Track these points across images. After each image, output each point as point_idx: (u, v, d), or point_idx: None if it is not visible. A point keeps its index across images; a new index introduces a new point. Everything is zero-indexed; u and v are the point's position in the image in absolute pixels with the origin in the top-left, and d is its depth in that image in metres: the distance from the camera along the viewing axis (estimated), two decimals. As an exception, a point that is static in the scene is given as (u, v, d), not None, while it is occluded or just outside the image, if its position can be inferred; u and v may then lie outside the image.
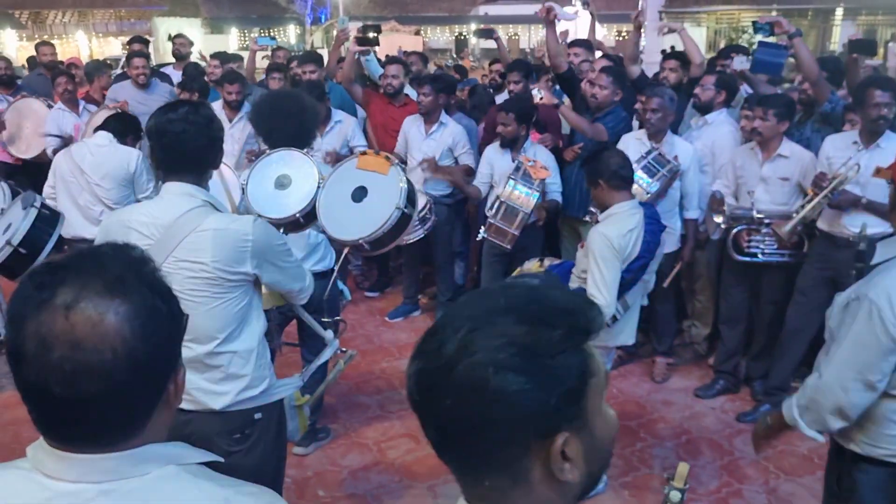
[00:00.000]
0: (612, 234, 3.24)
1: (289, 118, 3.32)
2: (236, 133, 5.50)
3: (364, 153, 3.25)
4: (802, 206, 3.95)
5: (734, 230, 4.23)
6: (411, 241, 5.13)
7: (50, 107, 6.38)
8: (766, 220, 4.13)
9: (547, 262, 3.95)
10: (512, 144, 4.90)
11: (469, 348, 0.88)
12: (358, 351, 5.20)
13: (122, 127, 4.50)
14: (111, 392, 0.99)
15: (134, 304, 1.01)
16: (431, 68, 8.90)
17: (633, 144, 4.42)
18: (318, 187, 3.17)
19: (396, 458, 4.04)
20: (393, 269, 6.60)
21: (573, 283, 3.50)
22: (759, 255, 4.19)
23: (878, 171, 3.18)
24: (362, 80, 6.38)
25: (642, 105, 4.74)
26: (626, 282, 3.30)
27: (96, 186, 4.30)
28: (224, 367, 2.38)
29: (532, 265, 3.89)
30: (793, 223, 3.93)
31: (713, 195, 4.36)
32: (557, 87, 5.73)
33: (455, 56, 22.94)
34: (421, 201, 5.13)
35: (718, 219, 4.23)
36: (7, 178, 6.26)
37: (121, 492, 1.02)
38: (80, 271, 1.02)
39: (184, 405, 2.39)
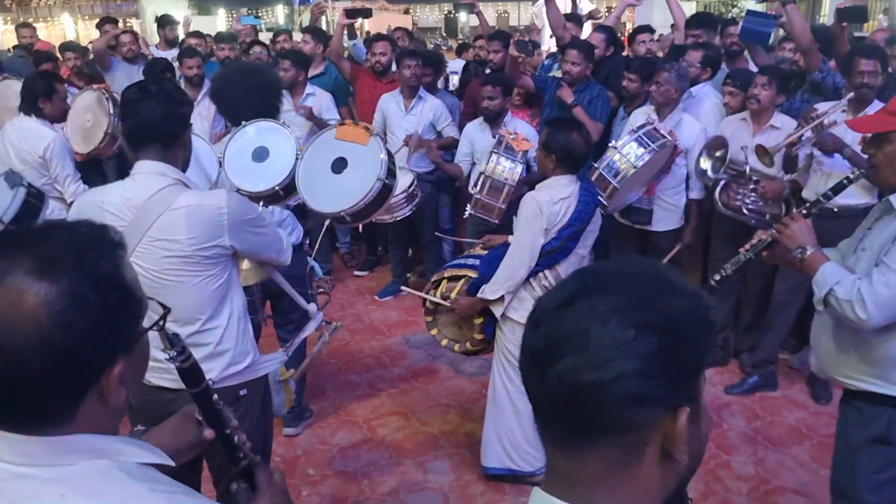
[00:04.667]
0: (541, 198, 3.24)
1: (248, 92, 3.26)
2: (203, 110, 5.40)
3: (343, 123, 3.21)
4: (789, 136, 3.93)
5: (722, 181, 4.20)
6: (398, 218, 5.11)
7: (32, 88, 6.31)
8: (755, 178, 4.12)
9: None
10: (496, 119, 4.89)
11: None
12: (348, 331, 5.25)
13: (30, 94, 4.39)
14: (20, 376, 0.93)
15: (59, 289, 0.94)
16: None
17: (641, 120, 4.40)
18: (297, 159, 3.13)
19: (386, 435, 4.04)
20: (381, 248, 6.58)
21: None
22: (744, 210, 4.14)
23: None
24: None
25: (630, 81, 4.74)
26: (555, 249, 3.29)
27: (17, 167, 4.22)
28: (209, 345, 2.36)
29: (479, 247, 3.88)
30: (780, 144, 3.90)
31: (717, 137, 4.30)
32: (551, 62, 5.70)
33: (444, 35, 22.77)
34: (408, 179, 5.11)
35: (706, 164, 4.20)
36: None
37: (39, 478, 0.96)
38: (20, 246, 0.97)
39: (167, 384, 2.37)
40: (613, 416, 0.84)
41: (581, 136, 3.28)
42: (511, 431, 3.49)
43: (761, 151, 3.92)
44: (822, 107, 3.97)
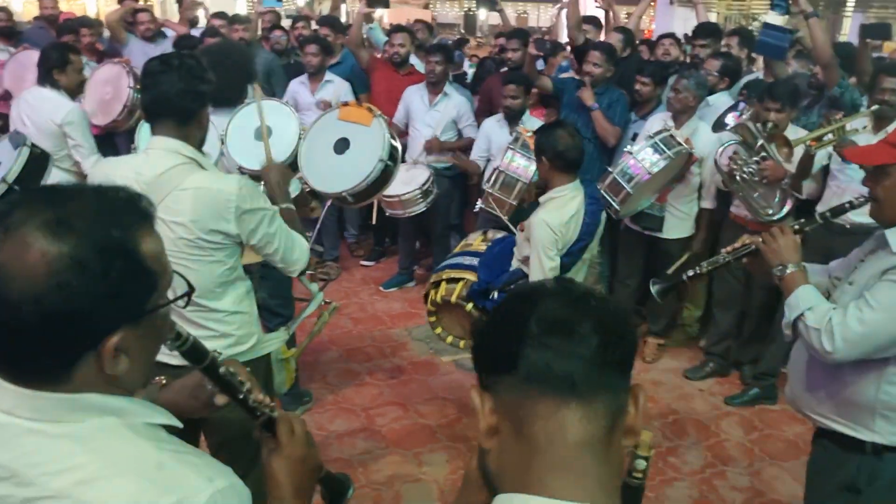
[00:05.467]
0: (554, 222, 3.16)
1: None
2: None
3: (346, 104, 3.20)
4: (811, 133, 3.84)
5: (729, 143, 4.12)
6: (413, 213, 5.11)
7: (51, 58, 6.32)
8: (763, 155, 4.02)
9: (491, 234, 3.97)
10: (516, 117, 4.90)
11: None
12: (350, 319, 5.26)
13: (44, 65, 4.40)
14: (16, 327, 0.95)
15: (63, 251, 0.95)
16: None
17: (658, 126, 4.39)
18: (300, 138, 3.13)
19: (383, 425, 4.04)
20: (388, 239, 6.58)
21: (514, 264, 3.48)
22: (737, 177, 4.07)
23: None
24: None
25: (643, 84, 4.74)
26: (566, 265, 3.28)
27: (32, 137, 4.15)
28: (208, 327, 2.35)
29: (476, 238, 3.88)
30: (802, 137, 3.83)
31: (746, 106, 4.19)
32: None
33: (463, 32, 22.71)
34: (424, 174, 5.10)
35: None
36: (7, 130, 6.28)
37: (49, 434, 0.98)
38: (47, 201, 0.99)
39: (170, 361, 2.36)
40: (617, 374, 0.96)
41: (567, 133, 3.20)
42: None
43: (782, 141, 3.86)
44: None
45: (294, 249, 2.46)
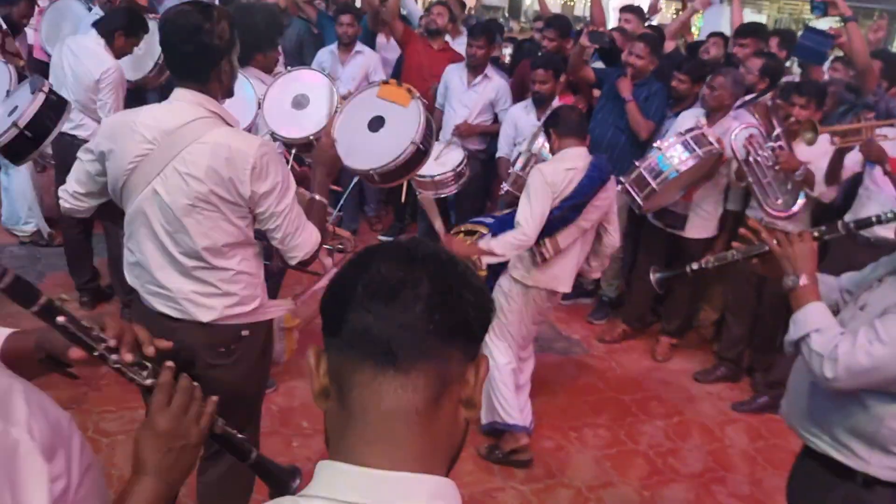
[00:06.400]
0: (548, 169, 3.36)
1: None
2: None
3: (386, 82, 3.17)
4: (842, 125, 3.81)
5: (747, 126, 4.08)
6: (444, 195, 5.06)
7: (90, 10, 6.34)
8: (780, 144, 3.98)
9: None
10: (545, 103, 4.83)
11: None
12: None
13: (112, 21, 4.28)
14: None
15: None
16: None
17: (690, 123, 4.31)
18: (336, 112, 3.11)
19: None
20: (409, 216, 6.54)
21: None
22: (749, 159, 4.02)
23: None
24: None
25: (679, 81, 4.65)
26: (556, 218, 3.36)
27: (69, 86, 4.18)
28: (213, 284, 2.32)
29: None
30: (833, 127, 3.79)
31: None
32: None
33: (507, 16, 22.47)
34: (458, 155, 5.05)
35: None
36: (44, 76, 6.31)
37: None
38: None
39: (171, 313, 2.36)
40: (445, 342, 0.90)
41: (569, 108, 3.64)
42: (492, 384, 3.55)
43: (808, 126, 3.76)
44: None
45: (298, 236, 2.33)
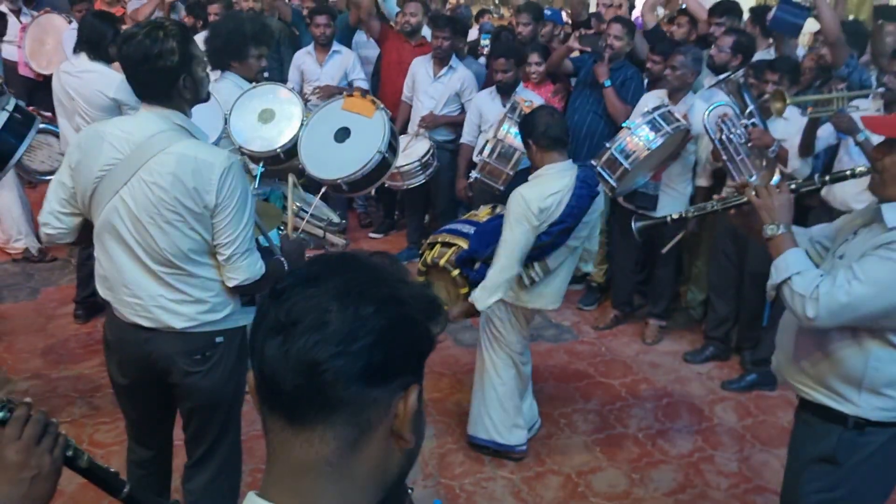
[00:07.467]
0: (531, 196, 3.14)
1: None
2: None
3: (350, 95, 3.25)
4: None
5: (720, 104, 4.07)
6: (412, 185, 5.12)
7: (70, 22, 6.38)
8: (753, 121, 3.98)
9: (500, 209, 3.93)
10: (509, 90, 4.87)
11: None
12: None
13: (93, 35, 4.13)
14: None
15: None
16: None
17: (654, 103, 4.33)
18: (302, 125, 3.17)
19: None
20: (399, 212, 6.58)
21: None
22: (723, 135, 4.00)
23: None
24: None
25: (654, 63, 4.67)
26: (545, 244, 3.21)
27: (83, 111, 4.15)
28: (184, 291, 2.36)
29: (484, 210, 3.87)
30: (803, 97, 3.81)
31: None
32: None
33: (497, 4, 22.34)
34: (424, 146, 5.10)
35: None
36: (29, 94, 6.34)
37: None
38: None
39: (144, 322, 2.40)
40: (351, 390, 0.81)
41: (547, 112, 3.24)
42: (496, 404, 3.52)
43: (779, 96, 3.76)
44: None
45: (243, 259, 2.34)
